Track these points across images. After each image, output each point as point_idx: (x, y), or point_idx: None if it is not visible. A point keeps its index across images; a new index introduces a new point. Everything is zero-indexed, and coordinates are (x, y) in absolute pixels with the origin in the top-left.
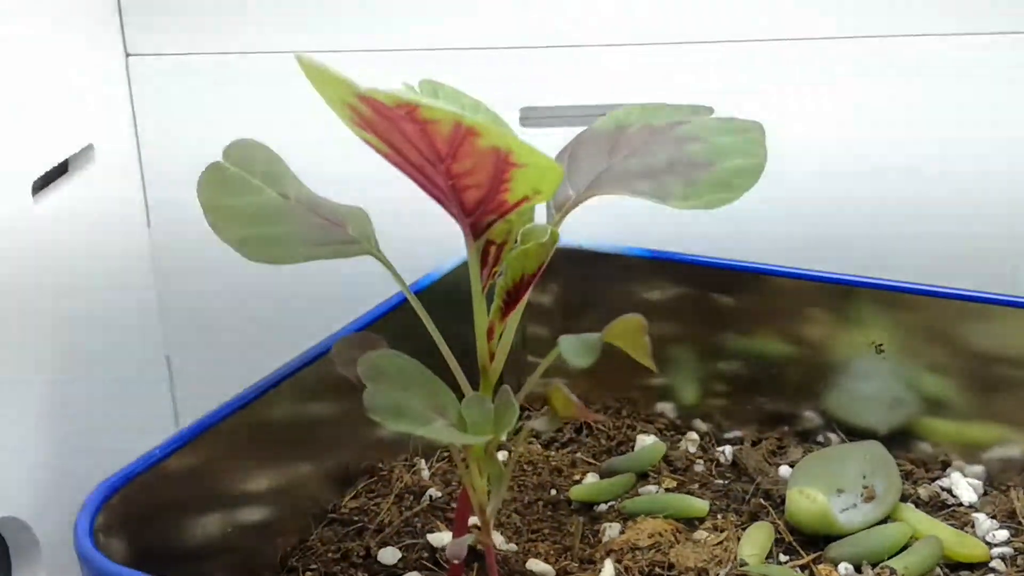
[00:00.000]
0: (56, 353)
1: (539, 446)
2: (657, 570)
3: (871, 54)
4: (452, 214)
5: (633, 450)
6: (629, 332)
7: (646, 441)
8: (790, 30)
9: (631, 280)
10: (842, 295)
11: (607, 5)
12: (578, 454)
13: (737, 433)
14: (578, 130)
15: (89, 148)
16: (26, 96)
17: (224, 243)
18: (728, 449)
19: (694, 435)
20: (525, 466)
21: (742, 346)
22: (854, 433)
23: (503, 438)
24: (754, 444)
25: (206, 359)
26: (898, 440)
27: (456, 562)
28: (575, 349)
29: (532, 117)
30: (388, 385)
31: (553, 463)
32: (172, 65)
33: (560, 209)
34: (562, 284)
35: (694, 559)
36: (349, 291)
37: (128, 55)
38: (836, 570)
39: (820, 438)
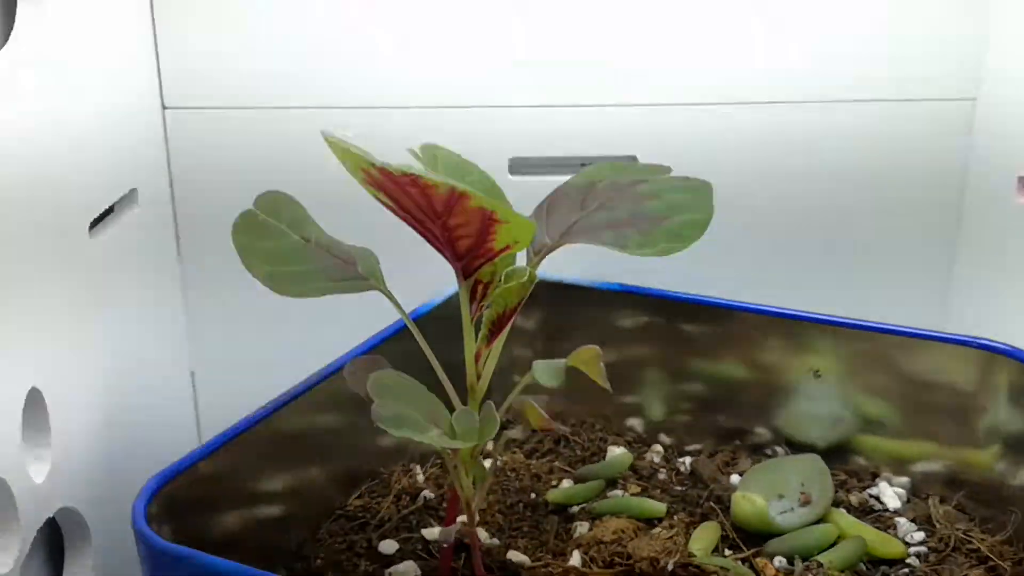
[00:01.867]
0: (101, 367)
1: (522, 455)
2: (617, 559)
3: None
4: (446, 258)
5: (604, 460)
6: (588, 359)
7: (616, 452)
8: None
9: (604, 309)
10: (790, 327)
11: (583, 72)
12: (555, 463)
13: (696, 446)
14: (560, 178)
15: (133, 192)
16: (84, 144)
17: (253, 278)
18: (688, 460)
19: (659, 447)
20: (509, 472)
21: (703, 369)
22: (797, 447)
23: (489, 446)
24: (710, 456)
25: (227, 375)
26: (835, 454)
27: (445, 545)
28: (546, 372)
29: (519, 166)
30: (392, 400)
31: (533, 470)
32: (204, 117)
33: (538, 254)
34: (544, 312)
35: (648, 550)
36: (358, 318)
37: (165, 108)
38: (771, 563)
39: (768, 451)
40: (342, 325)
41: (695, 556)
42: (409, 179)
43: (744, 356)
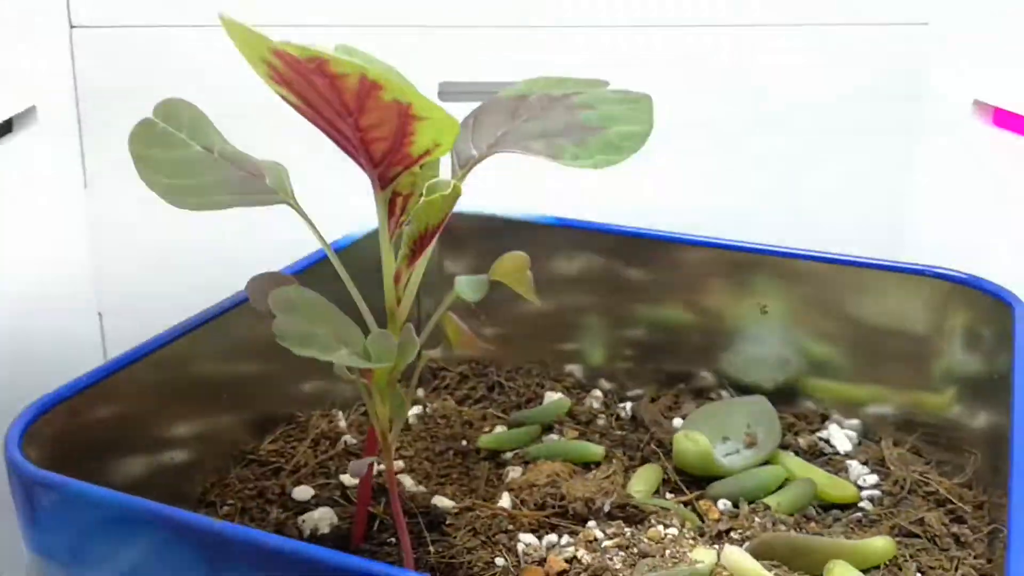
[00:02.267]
0: None
1: (453, 402)
2: (549, 500)
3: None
4: (361, 165)
5: (541, 405)
6: (513, 269)
7: (553, 397)
8: (685, 17)
9: (542, 248)
10: (736, 262)
11: None
12: (489, 409)
13: (638, 391)
14: None
15: (32, 109)
16: None
17: (154, 194)
18: (628, 405)
19: (598, 393)
20: (439, 419)
21: (645, 313)
22: (744, 390)
23: (420, 394)
24: (652, 400)
25: (137, 316)
26: (784, 397)
27: (356, 479)
28: (469, 286)
29: (449, 92)
30: (297, 316)
31: (465, 417)
32: (112, 36)
33: (464, 166)
34: (476, 251)
35: (583, 491)
36: (279, 254)
37: (72, 27)
38: (715, 506)
39: (713, 395)
40: (266, 263)
41: (633, 497)
42: (314, 64)
43: (687, 298)
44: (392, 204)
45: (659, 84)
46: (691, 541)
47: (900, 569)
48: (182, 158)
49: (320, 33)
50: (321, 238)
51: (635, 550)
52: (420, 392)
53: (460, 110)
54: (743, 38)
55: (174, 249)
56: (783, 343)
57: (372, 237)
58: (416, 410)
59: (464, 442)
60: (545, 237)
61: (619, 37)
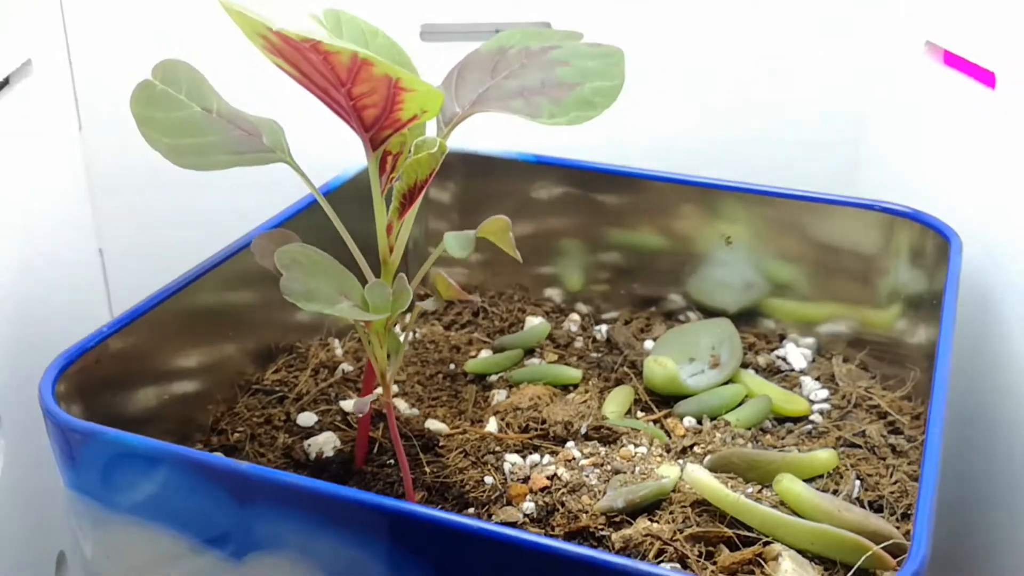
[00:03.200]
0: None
1: (440, 328)
2: (532, 424)
3: None
4: (353, 128)
5: (523, 330)
6: (497, 230)
7: (534, 322)
8: None
9: (521, 181)
10: (703, 195)
11: None
12: (474, 334)
13: (613, 314)
14: (474, 44)
15: (27, 63)
16: None
17: (154, 150)
18: (604, 328)
19: (576, 316)
20: (428, 344)
21: (619, 240)
22: (709, 312)
23: (405, 320)
24: (626, 323)
25: (135, 249)
26: (746, 318)
27: (360, 416)
28: (456, 243)
29: (431, 32)
30: (301, 273)
31: (452, 342)
32: None
33: (448, 124)
34: (460, 185)
35: (563, 414)
36: (269, 194)
37: None
38: (681, 423)
39: (681, 317)
40: (255, 197)
41: (607, 419)
42: (310, 45)
43: (658, 226)
44: (383, 162)
45: (628, 24)
46: (658, 458)
47: (841, 477)
48: (182, 118)
49: None
50: (314, 189)
51: (609, 467)
52: (406, 315)
53: (441, 50)
54: None
55: (168, 183)
56: (746, 269)
57: (355, 179)
58: (405, 334)
59: (452, 366)
60: (524, 172)
61: None
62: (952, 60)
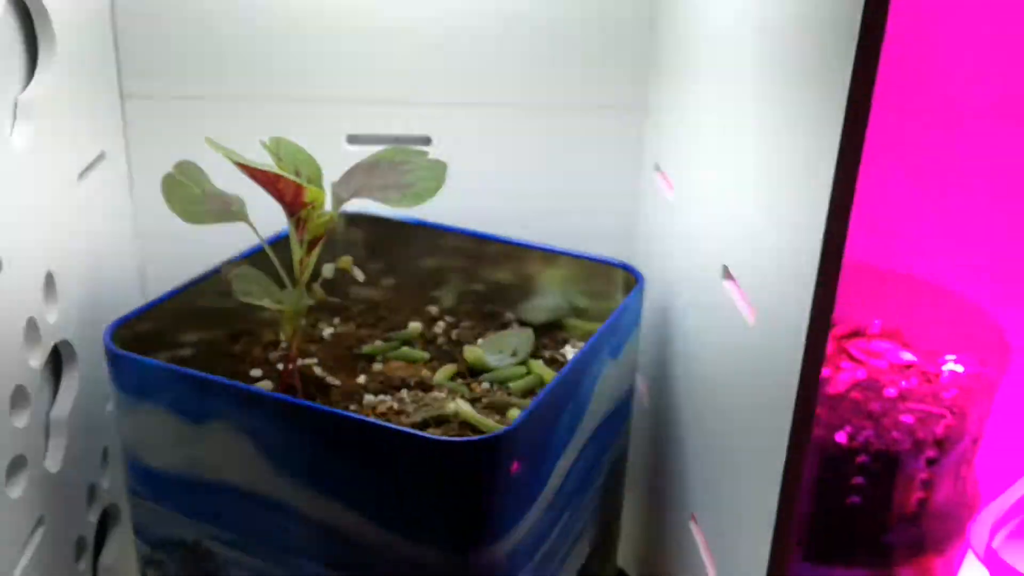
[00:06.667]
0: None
1: (354, 327)
2: (386, 379)
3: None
4: (282, 206)
5: (406, 329)
6: (346, 263)
7: (414, 325)
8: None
9: (411, 235)
10: (512, 250)
11: (408, 77)
12: (375, 331)
13: (467, 324)
14: (379, 147)
15: (101, 155)
16: (63, 122)
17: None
18: (455, 332)
19: (442, 324)
20: (343, 336)
21: (479, 275)
22: (525, 324)
23: (327, 332)
24: (472, 329)
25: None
26: (547, 328)
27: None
28: (327, 269)
29: (356, 140)
30: (243, 281)
31: (359, 336)
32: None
33: (338, 203)
34: (368, 234)
35: (404, 375)
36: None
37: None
38: (480, 386)
39: (510, 327)
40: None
41: (432, 378)
42: (258, 171)
43: (497, 267)
44: (298, 224)
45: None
46: (454, 402)
47: None
48: (188, 194)
49: (248, 108)
50: (261, 238)
51: (423, 403)
52: (336, 320)
53: (362, 152)
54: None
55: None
56: (553, 298)
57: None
58: (330, 330)
59: (356, 350)
60: (412, 229)
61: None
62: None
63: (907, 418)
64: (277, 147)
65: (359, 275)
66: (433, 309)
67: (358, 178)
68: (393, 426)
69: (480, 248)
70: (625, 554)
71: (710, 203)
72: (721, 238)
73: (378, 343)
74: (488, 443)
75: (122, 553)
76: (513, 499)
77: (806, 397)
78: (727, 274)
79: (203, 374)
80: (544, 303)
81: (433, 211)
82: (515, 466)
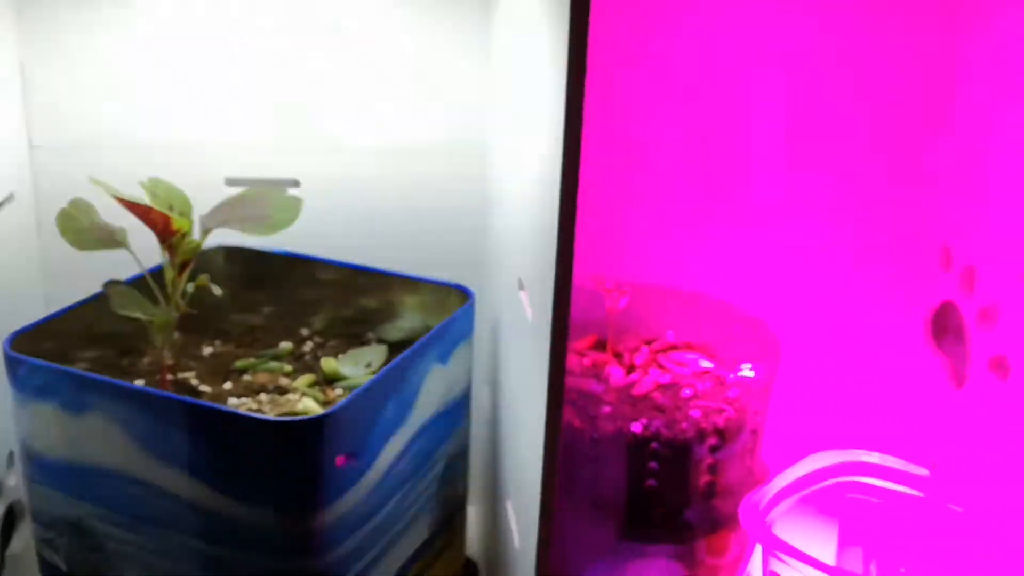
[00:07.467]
0: None
1: (233, 346)
2: (250, 385)
3: None
4: (156, 236)
5: (278, 348)
6: (205, 281)
7: (285, 344)
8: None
9: (280, 267)
10: (368, 276)
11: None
12: (251, 349)
13: (334, 342)
14: (250, 185)
15: (11, 196)
16: None
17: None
18: (321, 349)
19: (311, 343)
20: (223, 354)
21: (345, 300)
22: (383, 342)
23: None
24: (335, 347)
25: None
26: (402, 346)
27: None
28: (194, 281)
29: (232, 181)
30: (120, 298)
31: (236, 353)
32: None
33: (205, 232)
34: (237, 264)
35: (266, 381)
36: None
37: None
38: (335, 392)
39: (370, 344)
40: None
41: (291, 384)
42: (136, 205)
43: (366, 295)
44: (170, 250)
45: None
46: (308, 403)
47: None
48: (79, 225)
49: (136, 153)
50: (141, 266)
51: (278, 403)
52: (218, 341)
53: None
54: None
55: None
56: (406, 319)
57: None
58: (210, 349)
59: (232, 364)
60: (286, 262)
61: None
62: None
63: (695, 412)
64: (155, 186)
65: (217, 290)
66: (305, 331)
67: (224, 211)
68: (238, 411)
69: (348, 277)
70: (476, 547)
71: (512, 227)
72: (520, 254)
73: (251, 359)
74: (314, 423)
75: (28, 543)
76: (340, 473)
77: (555, 386)
78: (522, 285)
79: (82, 372)
80: (399, 323)
81: (311, 245)
82: (339, 445)
